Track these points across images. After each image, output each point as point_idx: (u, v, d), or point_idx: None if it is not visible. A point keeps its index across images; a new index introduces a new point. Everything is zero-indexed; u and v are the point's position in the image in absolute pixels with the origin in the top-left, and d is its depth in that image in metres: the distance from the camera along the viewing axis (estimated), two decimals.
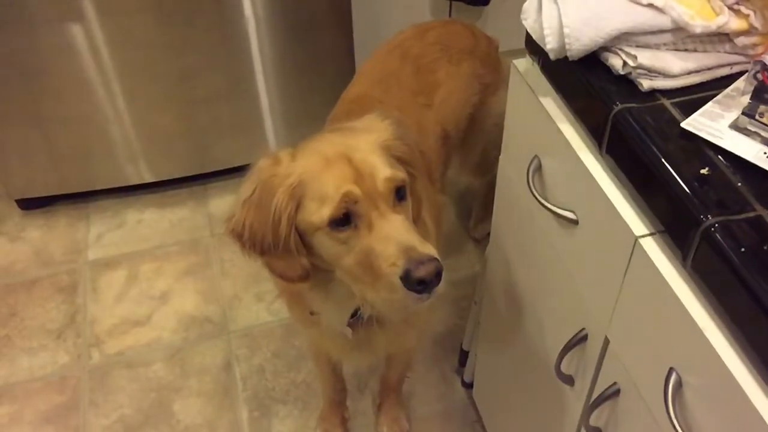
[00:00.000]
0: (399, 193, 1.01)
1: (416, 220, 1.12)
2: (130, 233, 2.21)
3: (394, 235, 0.96)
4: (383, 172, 0.99)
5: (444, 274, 0.96)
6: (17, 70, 1.93)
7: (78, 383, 1.84)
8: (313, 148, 1.03)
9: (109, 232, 2.22)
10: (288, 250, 1.02)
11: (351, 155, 0.99)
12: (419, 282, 0.94)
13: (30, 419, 1.77)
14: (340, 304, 1.15)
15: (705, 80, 0.83)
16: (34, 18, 1.84)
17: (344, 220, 0.98)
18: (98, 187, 2.27)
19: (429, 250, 0.96)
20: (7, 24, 1.83)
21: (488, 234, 2.09)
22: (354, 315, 1.19)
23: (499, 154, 1.83)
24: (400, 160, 1.06)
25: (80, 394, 1.82)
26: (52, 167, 2.17)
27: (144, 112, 2.12)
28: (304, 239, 1.03)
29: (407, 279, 0.94)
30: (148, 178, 2.27)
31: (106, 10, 1.87)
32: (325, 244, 1.01)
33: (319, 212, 0.98)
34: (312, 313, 1.24)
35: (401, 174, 1.02)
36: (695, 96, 0.82)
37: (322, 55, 2.13)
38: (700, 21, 0.81)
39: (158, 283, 2.07)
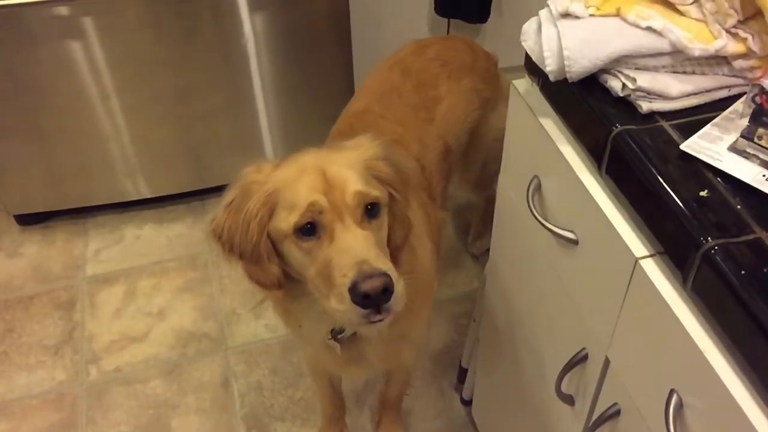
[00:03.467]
0: (371, 211, 1.02)
1: (401, 245, 1.12)
2: (129, 249, 2.21)
3: (351, 248, 0.97)
4: (354, 185, 1.00)
5: (395, 293, 0.96)
6: (17, 86, 1.94)
7: (75, 400, 1.83)
8: (294, 160, 1.06)
9: (107, 247, 2.22)
10: (259, 256, 1.04)
11: (325, 168, 1.01)
12: (364, 296, 0.94)
13: None
14: (319, 317, 1.15)
15: (703, 102, 0.84)
16: (35, 34, 1.85)
17: (310, 229, 0.99)
18: (97, 203, 2.27)
19: (382, 265, 0.96)
20: (7, 40, 1.84)
21: (487, 250, 2.10)
22: (342, 330, 1.20)
23: (499, 169, 1.85)
24: (382, 181, 1.06)
25: (78, 412, 1.81)
26: (50, 183, 2.18)
27: (143, 129, 2.12)
28: (276, 247, 1.05)
29: (354, 291, 0.95)
30: (147, 194, 2.28)
31: (106, 27, 1.88)
32: (293, 252, 1.03)
33: (286, 220, 1.00)
34: (301, 326, 1.25)
35: (375, 192, 1.02)
36: (694, 118, 0.82)
37: (321, 73, 2.14)
38: (699, 44, 0.81)
39: (156, 299, 2.07)
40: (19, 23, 1.82)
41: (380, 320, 0.98)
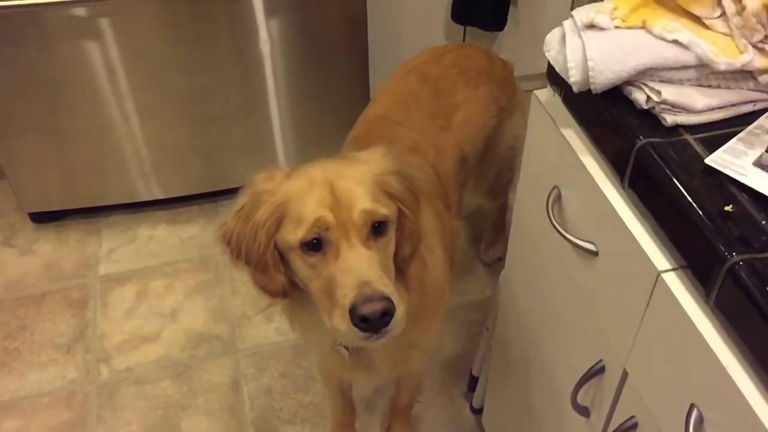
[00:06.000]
0: (378, 229, 1.02)
1: (409, 258, 1.12)
2: (141, 249, 2.22)
3: (355, 268, 0.98)
4: (362, 203, 1.00)
5: (395, 318, 0.97)
6: (34, 85, 1.95)
7: (86, 399, 1.84)
8: (306, 171, 1.06)
9: (120, 247, 2.22)
10: (266, 264, 1.05)
11: (335, 182, 1.01)
12: (363, 319, 0.95)
13: None
14: (324, 325, 1.16)
15: (728, 117, 0.84)
16: (52, 34, 1.87)
17: (316, 245, 1.00)
18: (110, 203, 2.28)
19: (384, 288, 0.97)
20: (25, 39, 1.85)
21: (499, 258, 2.12)
22: None
23: (512, 177, 1.85)
24: (392, 197, 1.06)
25: (88, 410, 1.81)
26: (65, 181, 2.19)
27: (157, 130, 2.13)
28: (283, 257, 1.06)
29: (353, 314, 0.95)
30: (160, 195, 2.28)
31: (123, 28, 1.89)
32: (298, 265, 1.04)
33: (294, 233, 1.00)
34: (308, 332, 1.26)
35: (383, 210, 1.02)
36: (718, 132, 0.82)
37: (336, 78, 2.14)
38: (725, 58, 0.81)
39: (168, 300, 2.07)
40: (37, 23, 1.84)
41: (378, 339, 0.99)
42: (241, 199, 1.08)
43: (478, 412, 1.76)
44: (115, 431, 1.77)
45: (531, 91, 1.05)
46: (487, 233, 2.14)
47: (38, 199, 2.22)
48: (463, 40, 2.40)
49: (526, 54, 2.13)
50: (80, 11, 1.85)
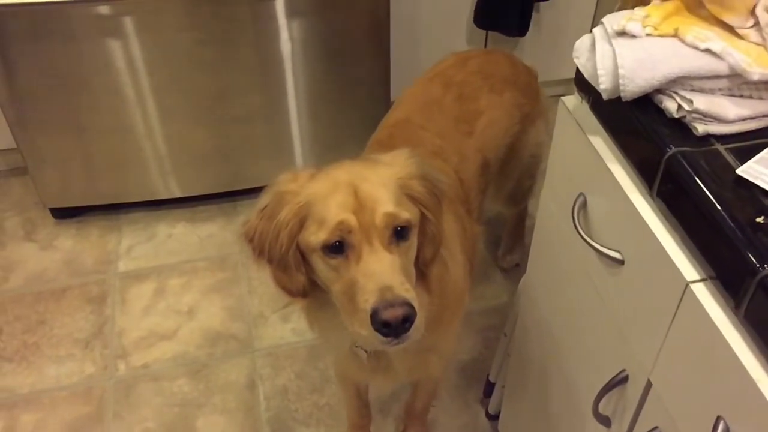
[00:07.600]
0: (400, 233, 1.02)
1: (430, 261, 1.13)
2: (160, 247, 2.23)
3: (377, 272, 0.98)
4: (385, 207, 1.00)
5: (416, 324, 0.97)
6: (58, 82, 1.97)
7: (103, 394, 1.85)
8: (329, 173, 1.06)
9: (139, 244, 2.24)
10: (287, 264, 1.06)
11: (358, 185, 1.01)
12: (384, 324, 0.95)
13: (54, 429, 1.78)
14: (345, 326, 1.16)
15: (760, 127, 0.83)
16: (77, 32, 1.88)
17: (338, 247, 1.00)
18: (131, 200, 2.30)
19: (405, 293, 0.97)
20: (50, 36, 1.87)
21: (517, 264, 2.11)
22: None
23: (533, 185, 1.85)
24: (415, 200, 1.06)
25: (105, 406, 1.83)
26: (86, 178, 2.21)
27: (178, 129, 2.15)
28: (305, 258, 1.06)
29: (374, 319, 0.95)
30: (179, 194, 2.30)
31: (146, 27, 1.91)
32: (320, 266, 1.04)
33: (316, 235, 1.01)
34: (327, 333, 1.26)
35: (406, 214, 1.02)
36: (750, 142, 0.81)
37: (358, 82, 2.15)
38: (758, 68, 0.80)
39: (185, 298, 2.08)
40: (61, 20, 1.85)
41: (398, 343, 0.99)
42: (265, 198, 1.08)
43: (493, 418, 1.75)
44: (131, 427, 1.78)
45: (553, 96, 1.05)
46: (505, 239, 2.14)
47: (59, 195, 2.24)
48: (485, 45, 2.40)
49: (548, 59, 2.13)
50: (104, 9, 1.86)
